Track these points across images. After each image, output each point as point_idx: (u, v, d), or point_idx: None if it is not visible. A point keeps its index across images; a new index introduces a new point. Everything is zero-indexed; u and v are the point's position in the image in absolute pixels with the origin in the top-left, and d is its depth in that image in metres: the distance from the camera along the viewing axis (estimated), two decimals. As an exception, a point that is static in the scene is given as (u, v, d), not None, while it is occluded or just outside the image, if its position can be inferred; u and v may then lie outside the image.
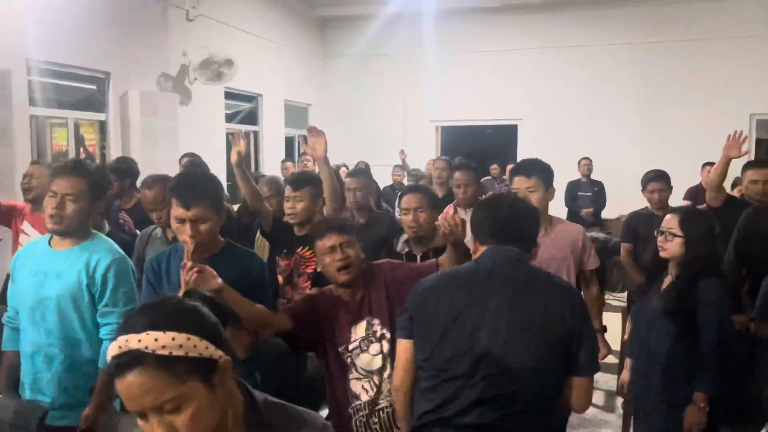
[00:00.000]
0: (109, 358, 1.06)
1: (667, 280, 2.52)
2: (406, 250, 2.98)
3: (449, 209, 4.33)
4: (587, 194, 7.58)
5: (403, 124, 9.74)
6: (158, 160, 6.06)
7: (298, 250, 2.98)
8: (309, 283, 2.94)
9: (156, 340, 1.04)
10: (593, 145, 8.30)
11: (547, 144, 9.02)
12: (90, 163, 2.30)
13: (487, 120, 9.74)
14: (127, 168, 4.24)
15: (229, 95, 7.89)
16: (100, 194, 2.32)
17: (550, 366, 1.70)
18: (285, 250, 3.03)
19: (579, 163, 7.74)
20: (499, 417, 1.68)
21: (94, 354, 2.26)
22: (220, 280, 1.81)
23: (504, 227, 1.83)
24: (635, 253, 3.99)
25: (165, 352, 1.03)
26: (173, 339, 1.05)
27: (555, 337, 1.70)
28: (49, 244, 2.31)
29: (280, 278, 3.03)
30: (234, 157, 2.88)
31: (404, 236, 2.99)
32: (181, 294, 1.73)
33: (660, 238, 2.54)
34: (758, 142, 8.62)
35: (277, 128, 9.06)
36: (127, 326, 1.08)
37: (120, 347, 1.04)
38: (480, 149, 9.43)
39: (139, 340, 1.04)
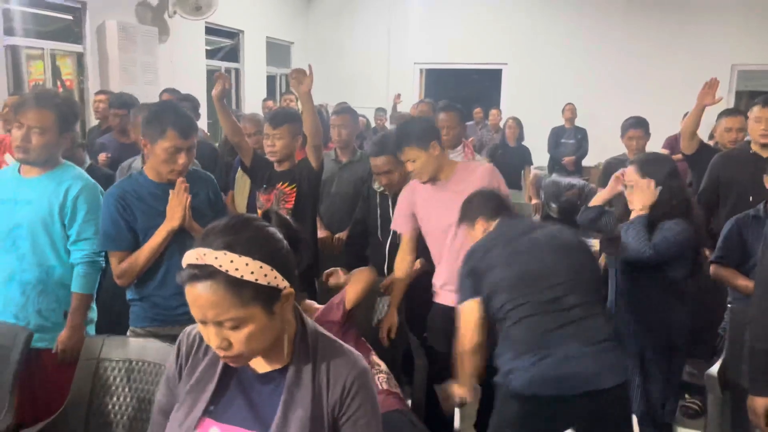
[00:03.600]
0: (184, 263, 1.11)
1: None
2: (381, 188, 3.04)
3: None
4: (570, 141, 7.59)
5: (386, 66, 9.61)
6: (138, 96, 5.94)
7: (278, 185, 3.01)
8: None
9: (231, 261, 1.09)
10: (576, 92, 8.29)
11: (531, 89, 9.00)
12: (58, 93, 2.28)
13: (471, 64, 9.63)
14: (130, 101, 4.14)
15: (210, 31, 7.70)
16: (68, 126, 2.31)
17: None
18: (265, 186, 3.05)
19: (563, 108, 7.74)
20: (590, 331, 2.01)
21: (66, 278, 2.30)
22: None
23: (503, 203, 2.35)
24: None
25: (237, 275, 1.09)
26: (247, 264, 1.09)
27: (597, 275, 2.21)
28: (19, 171, 2.32)
29: (259, 213, 3.06)
30: (216, 90, 2.85)
31: None
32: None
33: (626, 192, 2.58)
34: (738, 94, 8.67)
35: (258, 66, 8.90)
36: (206, 240, 1.12)
37: (197, 258, 1.09)
38: (464, 94, 9.37)
39: (216, 258, 1.09)
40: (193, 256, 1.10)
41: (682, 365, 2.74)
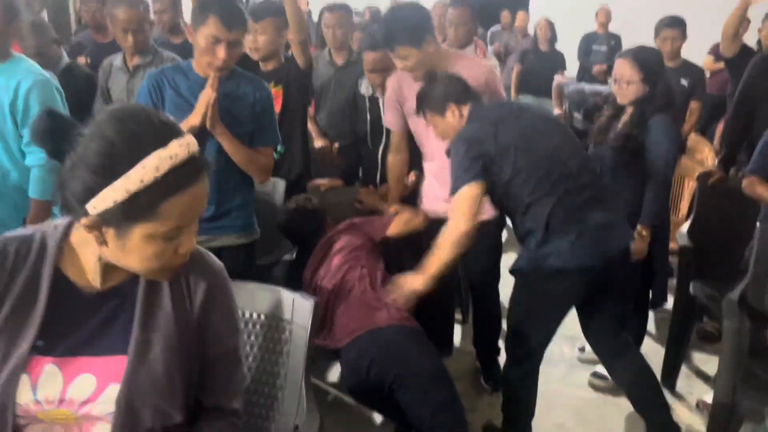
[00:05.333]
0: (180, 160, 0.94)
1: (624, 120, 2.54)
2: (370, 92, 2.79)
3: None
4: (602, 49, 7.09)
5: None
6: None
7: (265, 85, 2.77)
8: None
9: (195, 143, 0.98)
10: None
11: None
12: None
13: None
14: None
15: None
16: (13, 13, 2.11)
17: None
18: (251, 87, 2.82)
19: (597, 12, 7.17)
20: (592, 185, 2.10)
21: (24, 183, 2.17)
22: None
23: (469, 87, 2.20)
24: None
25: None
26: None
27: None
28: None
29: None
30: None
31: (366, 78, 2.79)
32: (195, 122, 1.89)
33: (615, 87, 2.57)
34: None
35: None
36: (159, 135, 0.94)
37: (189, 152, 0.95)
38: (492, -2, 8.76)
39: (189, 144, 0.96)
40: (183, 151, 0.94)
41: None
